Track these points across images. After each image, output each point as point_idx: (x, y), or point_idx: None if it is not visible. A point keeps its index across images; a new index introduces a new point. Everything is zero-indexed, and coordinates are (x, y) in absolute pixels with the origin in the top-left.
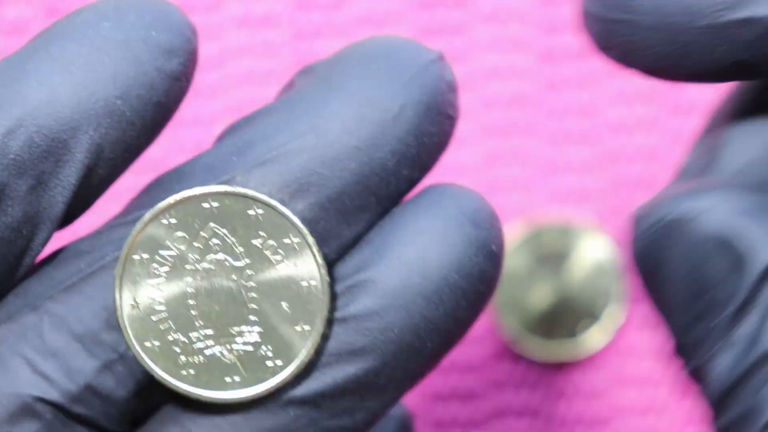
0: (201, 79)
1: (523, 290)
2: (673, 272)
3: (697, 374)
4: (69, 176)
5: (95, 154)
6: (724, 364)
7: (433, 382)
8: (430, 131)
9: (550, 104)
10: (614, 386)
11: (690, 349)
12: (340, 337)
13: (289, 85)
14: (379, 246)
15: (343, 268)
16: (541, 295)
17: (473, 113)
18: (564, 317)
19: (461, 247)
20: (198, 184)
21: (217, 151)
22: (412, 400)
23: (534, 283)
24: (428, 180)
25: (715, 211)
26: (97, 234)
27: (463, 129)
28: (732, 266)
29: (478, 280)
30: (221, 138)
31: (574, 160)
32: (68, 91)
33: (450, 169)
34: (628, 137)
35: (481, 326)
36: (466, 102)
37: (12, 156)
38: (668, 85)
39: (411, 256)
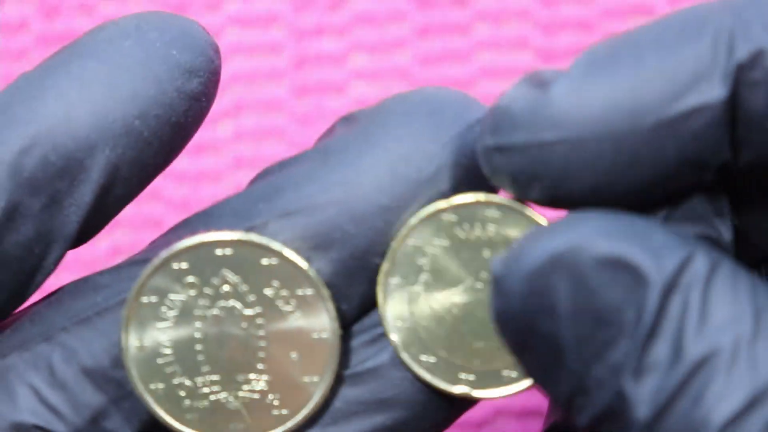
0: None
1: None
2: (562, 312)
3: (606, 415)
4: (84, 196)
5: (111, 174)
6: (646, 390)
7: None
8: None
9: None
10: None
11: (591, 392)
12: (369, 386)
13: (329, 131)
14: None
15: (369, 320)
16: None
17: None
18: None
19: None
20: (224, 228)
21: (246, 195)
22: None
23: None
24: None
25: (598, 236)
26: (117, 269)
27: None
28: (632, 286)
29: None
30: (254, 181)
31: None
32: (86, 110)
33: None
34: None
35: None
36: None
37: (26, 174)
38: None
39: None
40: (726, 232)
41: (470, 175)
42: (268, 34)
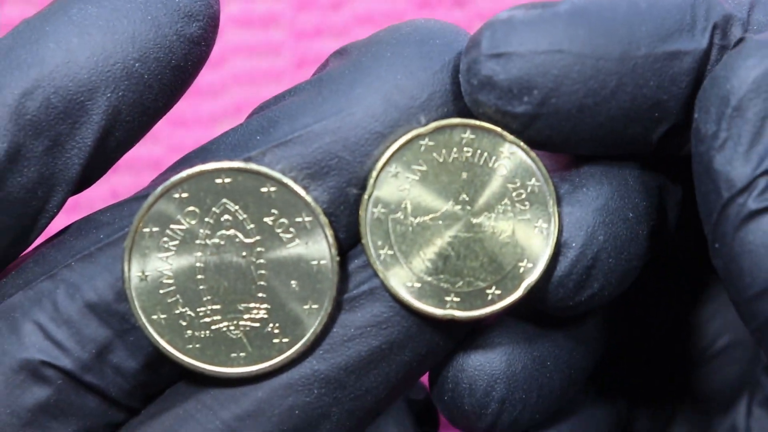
0: (201, 79)
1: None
2: None
3: None
4: (86, 138)
5: (112, 117)
6: None
7: None
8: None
9: None
10: None
11: None
12: (365, 309)
13: (323, 66)
14: None
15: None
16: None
17: None
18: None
19: None
20: (220, 161)
21: (242, 129)
22: None
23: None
24: None
25: None
26: (119, 205)
27: None
28: None
29: None
30: (250, 116)
31: None
32: (86, 53)
33: None
34: None
35: None
36: None
37: (29, 117)
38: None
39: None
40: None
41: (461, 101)
42: (268, 34)
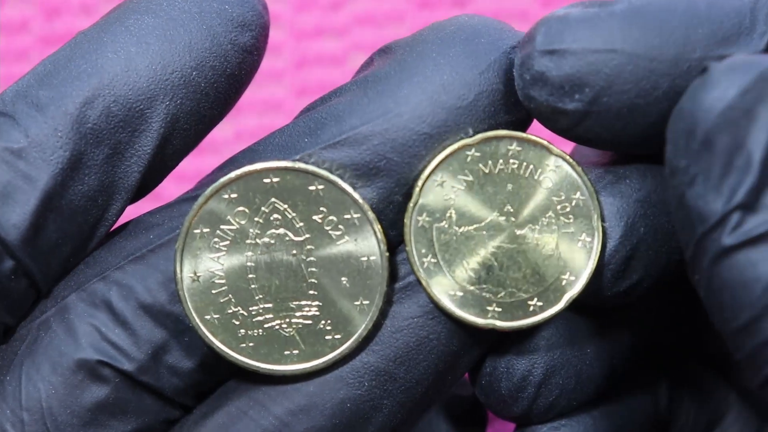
0: None
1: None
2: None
3: None
4: (145, 146)
5: (171, 125)
6: None
7: None
8: (506, 120)
9: None
10: None
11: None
12: (413, 300)
13: (367, 64)
14: None
15: None
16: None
17: None
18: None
19: None
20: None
21: (289, 130)
22: None
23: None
24: None
25: None
26: (168, 207)
27: None
28: None
29: None
30: (296, 117)
31: None
32: (145, 62)
33: None
34: None
35: None
36: None
37: (90, 125)
38: None
39: None
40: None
41: (508, 100)
42: None
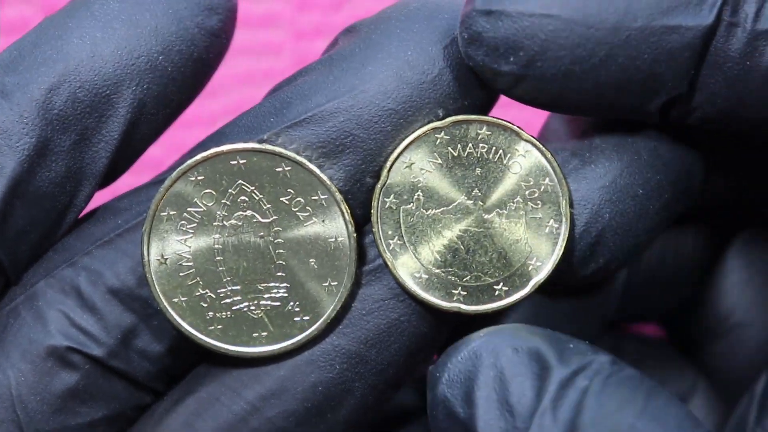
0: None
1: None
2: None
3: None
4: (112, 132)
5: (138, 110)
6: None
7: None
8: (473, 95)
9: None
10: None
11: None
12: (383, 282)
13: (332, 45)
14: None
15: None
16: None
17: None
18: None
19: None
20: (235, 143)
21: (256, 111)
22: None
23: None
24: None
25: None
26: (136, 191)
27: None
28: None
29: None
30: (264, 98)
31: None
32: (110, 48)
33: None
34: None
35: None
36: None
37: (56, 111)
38: None
39: None
40: None
41: (471, 75)
42: (268, 34)
